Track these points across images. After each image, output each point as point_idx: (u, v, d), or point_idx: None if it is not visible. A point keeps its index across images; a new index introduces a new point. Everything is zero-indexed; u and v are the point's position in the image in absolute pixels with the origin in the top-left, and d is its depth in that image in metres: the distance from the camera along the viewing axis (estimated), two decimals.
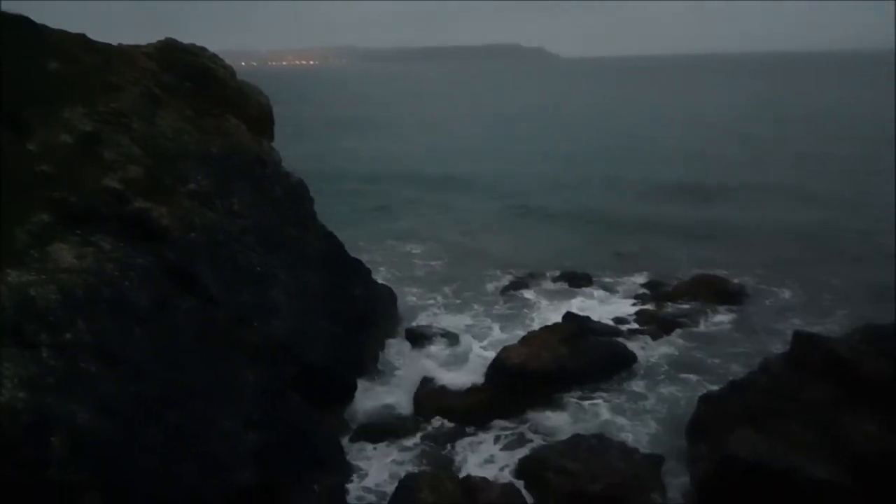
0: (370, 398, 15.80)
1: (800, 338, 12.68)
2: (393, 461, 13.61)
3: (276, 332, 13.54)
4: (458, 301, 21.97)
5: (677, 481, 12.66)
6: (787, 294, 22.41)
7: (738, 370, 15.88)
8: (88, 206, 12.11)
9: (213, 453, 10.88)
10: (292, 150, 21.86)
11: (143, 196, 13.14)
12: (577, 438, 13.79)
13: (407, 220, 33.04)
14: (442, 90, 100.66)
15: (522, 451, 13.75)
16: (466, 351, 18.14)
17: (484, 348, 18.23)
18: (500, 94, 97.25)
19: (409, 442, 14.30)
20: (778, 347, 14.46)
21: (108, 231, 12.13)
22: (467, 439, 14.45)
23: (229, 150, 16.31)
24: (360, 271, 18.92)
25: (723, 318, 20.56)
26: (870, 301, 20.97)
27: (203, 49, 18.45)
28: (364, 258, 20.55)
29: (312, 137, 53.61)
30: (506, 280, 23.71)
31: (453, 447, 14.21)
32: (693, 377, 16.70)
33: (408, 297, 21.94)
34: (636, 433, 14.43)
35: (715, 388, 14.52)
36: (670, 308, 21.13)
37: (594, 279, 23.73)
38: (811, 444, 10.98)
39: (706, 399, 13.08)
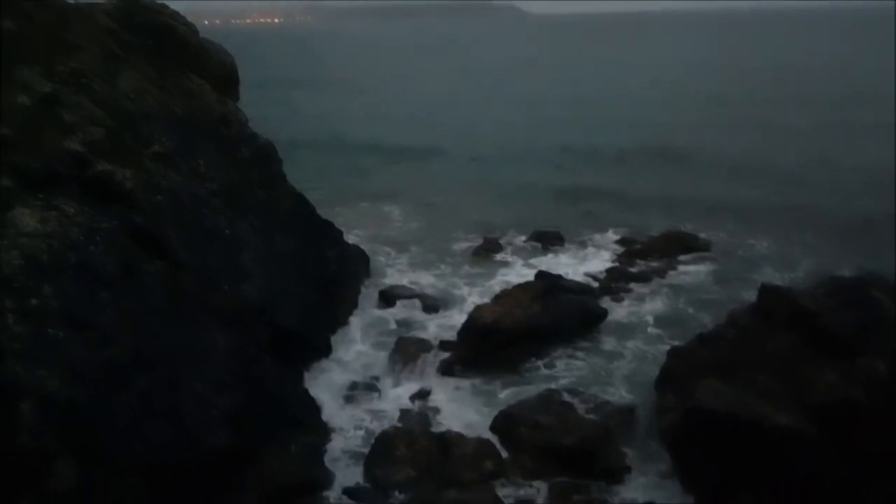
0: (345, 359, 15.85)
1: (766, 290, 12.96)
2: (368, 420, 13.73)
3: (247, 295, 13.44)
4: (430, 261, 21.99)
5: (647, 433, 13.00)
6: (754, 247, 22.90)
7: (706, 323, 16.23)
8: (50, 169, 11.77)
9: (186, 416, 10.85)
10: (258, 110, 21.41)
11: (105, 158, 12.80)
12: (549, 393, 14.06)
13: (378, 181, 32.74)
14: (409, 50, 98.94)
15: (496, 408, 13.94)
16: (439, 310, 18.27)
17: (457, 307, 18.35)
18: (468, 53, 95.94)
19: (385, 400, 14.42)
20: (745, 300, 14.73)
21: (71, 195, 11.81)
22: (441, 396, 14.62)
23: (193, 111, 15.94)
24: (331, 233, 18.79)
25: (692, 272, 20.95)
26: (835, 254, 21.54)
27: (164, 6, 17.88)
28: (335, 220, 20.38)
29: (278, 98, 52.56)
30: (478, 240, 23.75)
31: (429, 404, 14.37)
32: (662, 331, 17.03)
33: (380, 257, 21.89)
34: (607, 387, 14.72)
35: (683, 341, 14.80)
36: (640, 264, 21.44)
37: (566, 238, 23.90)
38: (776, 393, 11.28)
39: (674, 352, 13.35)
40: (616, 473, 11.99)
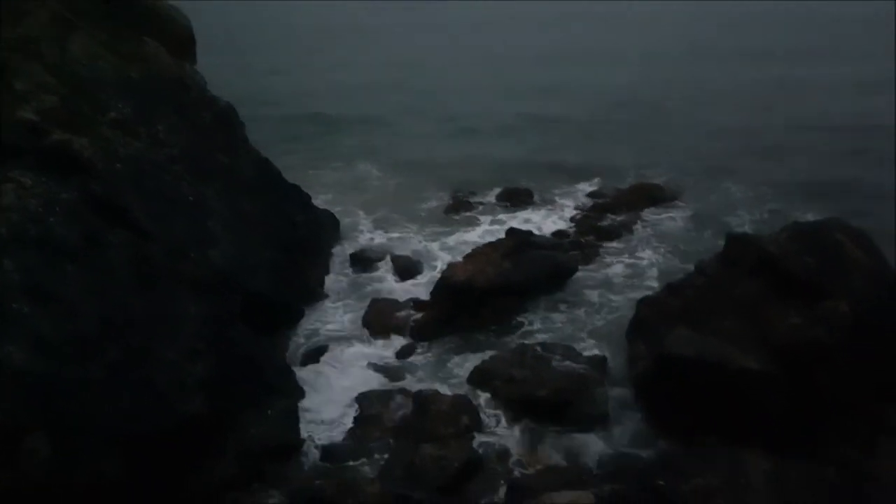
0: (318, 322, 15.84)
1: (731, 238, 13.17)
2: (345, 381, 13.76)
3: (215, 262, 13.27)
4: (401, 222, 21.88)
5: (620, 381, 13.26)
6: (722, 197, 23.20)
7: (674, 272, 16.46)
8: (4, 140, 11.41)
9: (159, 386, 10.78)
10: (216, 72, 20.84)
11: (61, 127, 12.43)
12: (522, 348, 14.24)
13: (346, 141, 32.24)
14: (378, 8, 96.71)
15: (471, 364, 14.10)
16: (411, 270, 18.26)
17: (429, 267, 18.38)
18: (438, 9, 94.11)
19: (360, 361, 14.46)
20: (713, 248, 14.95)
21: (27, 166, 11.49)
22: (417, 355, 14.73)
23: (150, 76, 15.47)
24: (298, 197, 18.57)
25: (660, 223, 21.21)
26: (802, 198, 21.95)
27: None
28: (302, 183, 20.11)
29: (237, 59, 51.20)
30: (449, 199, 23.69)
31: (404, 364, 14.46)
32: (632, 282, 17.27)
33: (350, 220, 21.69)
34: (580, 339, 14.94)
35: (653, 291, 15.03)
36: (610, 218, 21.60)
37: (535, 194, 23.94)
38: (743, 338, 11.53)
39: (644, 302, 13.55)
40: (590, 422, 12.23)
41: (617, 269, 18.14)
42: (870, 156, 26.34)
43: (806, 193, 22.60)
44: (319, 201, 21.17)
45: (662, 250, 19.27)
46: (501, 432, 12.19)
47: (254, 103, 31.00)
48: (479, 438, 12.02)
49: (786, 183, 23.97)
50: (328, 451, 11.79)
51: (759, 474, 8.17)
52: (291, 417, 12.23)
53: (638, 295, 15.35)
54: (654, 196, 22.95)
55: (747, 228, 19.42)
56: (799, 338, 11.20)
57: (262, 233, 15.37)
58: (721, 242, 13.90)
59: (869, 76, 40.25)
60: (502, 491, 10.63)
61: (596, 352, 14.21)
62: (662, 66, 48.43)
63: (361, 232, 21.02)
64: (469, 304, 15.59)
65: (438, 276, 16.60)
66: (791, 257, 12.02)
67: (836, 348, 10.97)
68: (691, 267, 14.39)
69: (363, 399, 12.75)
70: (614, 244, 19.71)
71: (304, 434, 12.13)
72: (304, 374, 13.82)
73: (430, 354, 14.74)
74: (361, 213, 22.52)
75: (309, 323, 15.76)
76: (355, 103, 39.87)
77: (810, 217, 17.62)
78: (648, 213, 21.84)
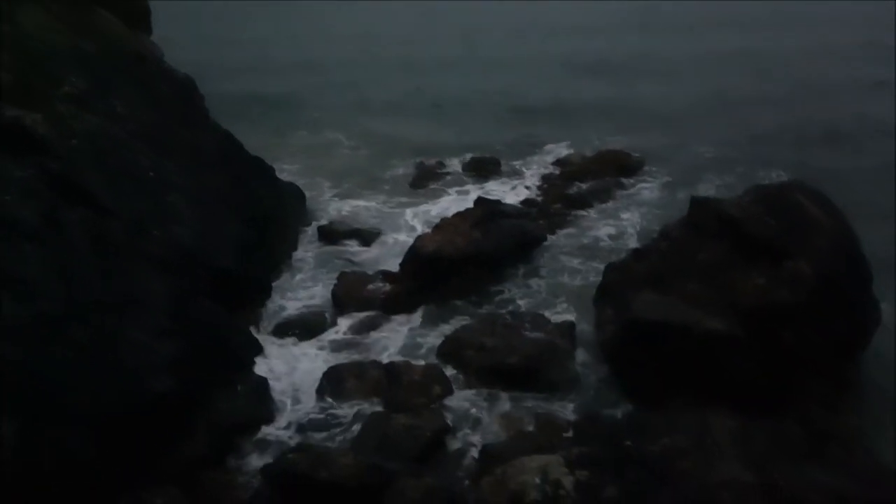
0: (287, 297, 15.71)
1: (696, 202, 13.31)
2: (316, 356, 13.74)
3: (179, 239, 13.04)
4: (369, 193, 21.72)
5: (588, 347, 13.44)
6: (688, 161, 23.44)
7: (642, 237, 16.64)
8: None
9: (126, 365, 10.64)
10: (175, 44, 20.31)
11: (13, 103, 12.01)
12: (492, 317, 14.33)
13: (309, 111, 31.70)
14: None
15: (442, 334, 14.15)
16: (380, 243, 18.21)
17: (397, 239, 18.31)
18: None
19: (331, 335, 14.42)
20: (679, 213, 15.08)
21: None
22: (387, 328, 14.70)
23: (104, 48, 15.01)
24: (262, 169, 18.28)
25: (627, 189, 21.38)
26: (763, 162, 22.29)
27: None
28: (266, 155, 19.75)
29: (197, 29, 49.82)
30: (416, 169, 23.54)
31: (375, 336, 14.44)
32: (599, 249, 17.42)
33: (317, 192, 21.45)
34: (549, 306, 15.08)
35: (620, 257, 15.17)
36: (577, 186, 21.69)
37: (503, 162, 23.92)
38: (707, 300, 11.74)
39: (611, 267, 13.69)
40: (559, 387, 12.41)
41: (584, 237, 18.28)
42: (838, 122, 26.84)
43: (770, 156, 22.97)
44: (284, 174, 20.88)
45: (630, 216, 19.45)
46: (473, 400, 12.29)
47: (213, 75, 30.28)
48: (452, 407, 12.11)
49: (752, 147, 24.31)
50: (300, 425, 11.80)
51: (726, 434, 8.38)
52: (262, 393, 12.19)
53: (605, 261, 15.50)
54: (621, 163, 23.08)
55: (714, 192, 19.65)
56: (762, 299, 11.43)
57: (227, 207, 15.13)
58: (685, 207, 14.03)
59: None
60: (475, 457, 10.74)
61: (565, 318, 14.35)
62: (633, 37, 48.32)
63: (329, 204, 20.81)
64: (439, 275, 15.60)
65: (408, 247, 16.52)
66: (753, 220, 12.20)
67: (799, 308, 11.23)
68: (655, 230, 14.56)
69: (334, 372, 12.73)
70: (582, 212, 19.83)
71: (275, 409, 12.11)
72: (274, 349, 13.74)
73: (400, 326, 14.72)
74: (328, 185, 22.28)
75: (278, 298, 15.62)
76: (323, 74, 39.20)
77: (772, 179, 17.92)
78: (616, 180, 21.96)
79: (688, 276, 12.23)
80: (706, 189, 20.44)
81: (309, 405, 12.28)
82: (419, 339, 14.27)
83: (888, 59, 35.25)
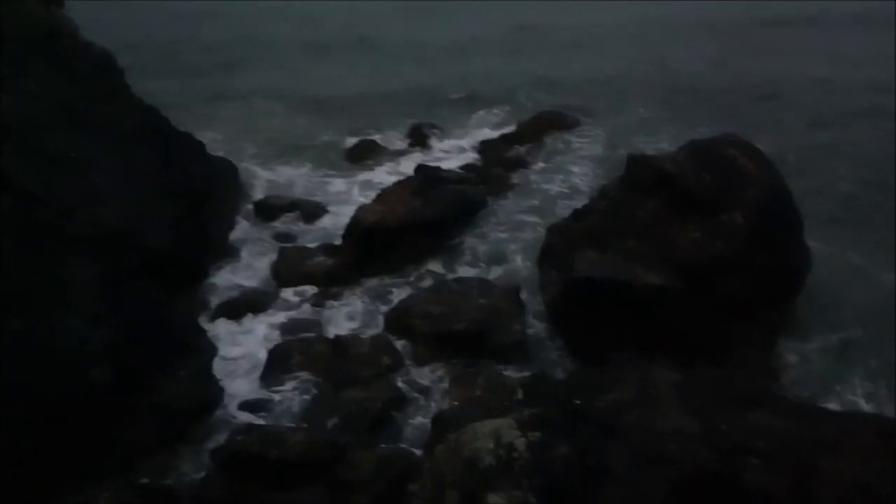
0: (226, 276, 15.28)
1: (632, 160, 13.43)
2: (259, 334, 13.44)
3: (105, 220, 12.45)
4: (306, 166, 21.23)
5: (533, 308, 13.55)
6: (625, 119, 23.69)
7: (583, 197, 16.77)
8: None
9: (61, 355, 10.21)
10: (88, 15, 19.22)
11: None
12: (438, 284, 14.31)
13: (242, 80, 30.68)
14: None
15: (388, 305, 14.06)
16: (320, 215, 17.86)
17: (337, 211, 17.99)
18: None
19: (274, 312, 14.12)
20: (618, 172, 15.25)
21: None
22: (333, 302, 14.49)
23: (15, 24, 14.03)
24: (191, 145, 17.55)
25: (566, 149, 21.50)
26: (698, 118, 22.75)
27: None
28: (195, 129, 19.00)
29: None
30: (355, 138, 23.11)
31: (320, 311, 14.21)
32: (542, 209, 17.48)
33: (251, 165, 20.79)
34: (494, 271, 15.12)
35: (562, 216, 15.26)
36: (517, 148, 21.71)
37: (442, 128, 23.72)
38: (647, 256, 11.93)
39: (553, 229, 13.76)
40: (507, 350, 12.48)
41: (526, 198, 18.32)
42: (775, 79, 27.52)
43: (705, 112, 23.45)
44: (215, 147, 20.14)
45: (570, 175, 19.59)
46: (423, 369, 12.29)
47: (134, 45, 28.96)
48: (402, 377, 12.09)
49: (687, 104, 24.76)
50: (248, 406, 11.57)
51: (669, 385, 8.55)
52: (206, 375, 11.88)
53: (548, 221, 15.58)
54: (558, 124, 23.21)
55: (652, 149, 19.96)
56: (699, 251, 11.69)
57: (155, 186, 14.49)
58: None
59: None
60: (427, 426, 10.75)
61: (510, 281, 14.41)
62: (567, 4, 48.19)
63: (264, 178, 20.19)
64: (382, 246, 15.42)
65: (348, 219, 16.24)
66: (688, 175, 12.40)
67: (734, 258, 11.54)
68: (595, 191, 14.67)
69: (279, 350, 12.50)
70: (523, 173, 19.87)
71: (221, 391, 11.84)
72: (215, 330, 13.37)
73: (345, 299, 14.54)
74: (263, 157, 21.61)
75: (216, 278, 15.17)
76: (254, 37, 37.90)
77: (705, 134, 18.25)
78: (554, 141, 22.09)
79: (627, 234, 12.38)
80: (643, 146, 20.71)
81: (255, 385, 12.05)
82: (365, 312, 14.12)
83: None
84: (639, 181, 13.02)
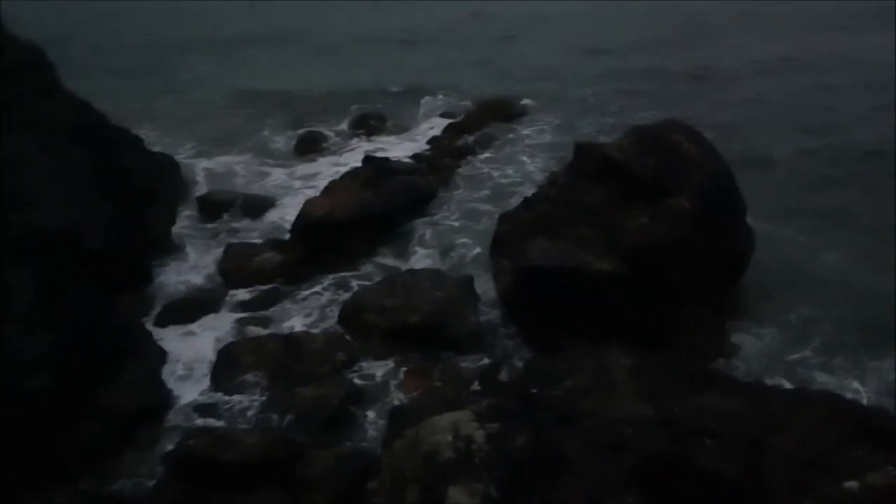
0: (171, 276, 14.83)
1: (579, 147, 13.54)
2: (208, 335, 13.07)
3: (40, 222, 11.92)
4: (250, 158, 20.78)
5: (488, 298, 13.54)
6: (571, 106, 23.92)
7: (534, 185, 16.83)
8: None
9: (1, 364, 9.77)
10: (17, 8, 18.34)
11: None
12: (392, 277, 14.12)
13: (183, 73, 29.83)
14: None
15: (341, 300, 13.85)
16: (267, 210, 17.49)
17: (285, 204, 17.66)
18: None
19: (222, 312, 13.79)
20: (564, 157, 15.36)
21: None
22: (283, 299, 14.21)
23: None
24: (129, 141, 16.94)
25: (515, 137, 21.59)
26: (642, 103, 23.12)
27: None
28: (133, 124, 18.36)
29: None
30: (299, 130, 22.72)
31: (270, 309, 13.92)
32: (493, 197, 17.52)
33: (192, 160, 20.25)
34: (446, 262, 15.07)
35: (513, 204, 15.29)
36: (465, 137, 21.67)
37: (389, 118, 23.53)
38: (597, 242, 12.05)
39: (504, 218, 13.76)
40: (463, 341, 12.45)
41: (477, 187, 18.33)
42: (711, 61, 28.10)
43: (648, 97, 23.85)
44: (154, 142, 19.51)
45: (519, 162, 19.69)
46: (378, 363, 12.15)
47: (66, 39, 27.80)
48: (357, 372, 11.94)
49: (631, 89, 25.13)
50: (200, 408, 11.27)
51: (622, 370, 8.68)
52: (153, 378, 11.53)
53: (499, 211, 15.58)
54: (505, 111, 23.31)
55: (598, 136, 20.18)
56: (646, 236, 11.85)
57: (92, 185, 13.94)
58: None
59: None
60: (385, 421, 10.66)
61: (464, 271, 14.38)
62: None
63: (205, 172, 19.68)
64: (332, 240, 15.19)
65: (296, 212, 15.94)
66: (633, 161, 12.55)
67: (681, 242, 11.74)
68: (545, 179, 14.74)
69: (230, 350, 12.20)
70: (472, 162, 19.86)
71: (171, 394, 11.50)
72: (162, 332, 12.99)
73: (296, 296, 14.26)
74: (204, 151, 21.07)
75: (161, 278, 14.73)
76: (195, 28, 36.84)
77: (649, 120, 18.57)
78: (502, 130, 22.14)
79: (577, 221, 12.47)
80: (589, 132, 20.95)
81: (205, 386, 11.73)
82: (317, 307, 13.89)
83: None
84: (586, 168, 13.13)
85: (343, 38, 36.39)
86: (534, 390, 8.75)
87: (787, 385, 10.76)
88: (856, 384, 10.90)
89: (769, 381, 10.62)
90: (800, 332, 12.11)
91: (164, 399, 11.38)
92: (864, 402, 10.25)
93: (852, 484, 6.67)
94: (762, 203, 14.74)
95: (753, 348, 11.79)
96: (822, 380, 11.06)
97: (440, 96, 25.67)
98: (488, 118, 22.83)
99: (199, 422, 10.97)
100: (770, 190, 16.60)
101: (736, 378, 9.40)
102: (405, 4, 45.02)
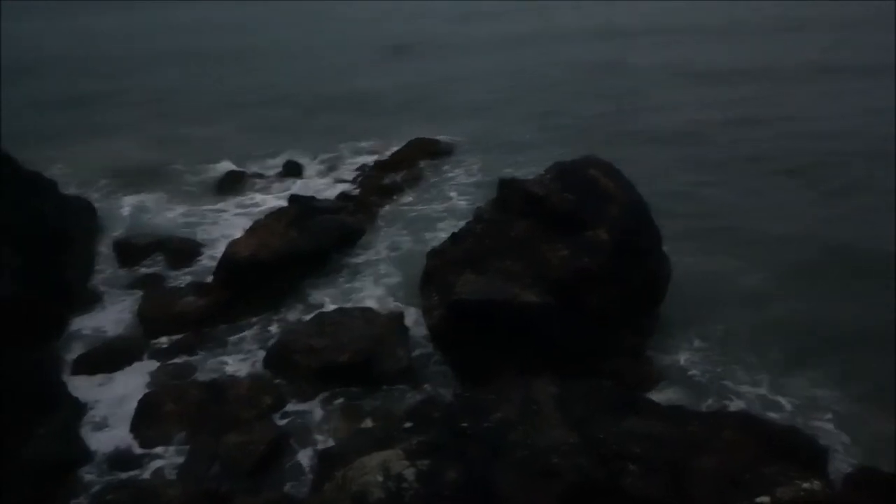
0: (86, 325, 14.25)
1: (503, 183, 13.91)
2: (127, 385, 12.56)
3: None
4: (170, 201, 20.31)
5: (418, 333, 13.55)
6: (497, 145, 24.47)
7: (458, 219, 17.06)
8: None
9: None
10: None
11: None
12: (319, 316, 13.96)
13: (101, 114, 29.04)
14: None
15: (267, 342, 13.59)
16: (188, 253, 17.05)
17: (207, 247, 17.29)
18: None
19: (142, 361, 13.29)
20: (490, 193, 15.65)
21: None
22: (207, 344, 13.82)
23: None
24: (42, 184, 16.28)
25: (441, 175, 21.90)
26: (564, 138, 23.89)
27: None
28: (45, 168, 17.67)
29: None
30: (223, 171, 22.39)
31: (193, 355, 13.50)
32: (422, 234, 17.65)
33: (109, 205, 19.64)
34: (376, 298, 15.06)
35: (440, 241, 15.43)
36: (392, 176, 21.85)
37: (313, 158, 23.52)
38: (522, 275, 12.31)
39: (432, 253, 13.89)
40: (394, 378, 12.40)
41: (404, 225, 18.44)
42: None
43: (564, 130, 24.64)
44: (67, 183, 18.81)
45: (445, 201, 19.93)
46: (307, 405, 11.95)
47: None
48: (285, 416, 11.69)
49: (554, 124, 25.95)
50: (119, 461, 10.75)
51: (549, 399, 8.80)
52: (69, 433, 10.95)
53: (427, 247, 15.71)
54: (431, 150, 23.66)
55: (524, 172, 20.67)
56: (568, 267, 12.22)
57: (2, 231, 13.32)
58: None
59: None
60: (314, 464, 10.44)
61: (393, 308, 14.38)
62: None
63: (124, 217, 19.14)
64: (257, 281, 14.93)
65: (219, 254, 15.62)
66: (554, 195, 13.01)
67: (600, 272, 12.15)
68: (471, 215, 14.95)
69: (150, 400, 11.74)
70: (400, 200, 20.00)
71: (87, 448, 10.94)
72: (78, 383, 12.40)
73: (220, 340, 13.91)
74: (122, 195, 20.48)
75: (77, 328, 14.11)
76: (115, 75, 36.03)
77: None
78: (429, 168, 22.45)
79: (503, 254, 12.73)
80: (513, 169, 21.43)
81: (125, 439, 11.21)
82: (243, 351, 13.59)
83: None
84: (511, 203, 13.47)
85: (262, 69, 36.22)
86: (464, 424, 8.74)
87: (710, 402, 11.19)
88: (778, 398, 11.41)
89: (692, 400, 10.99)
90: (719, 351, 12.64)
91: (81, 453, 10.81)
92: (788, 413, 10.86)
93: (764, 499, 6.97)
94: (674, 231, 15.38)
95: (675, 370, 12.21)
96: (745, 395, 11.53)
97: (365, 134, 25.84)
98: (415, 156, 23.12)
99: (118, 476, 10.47)
100: (679, 217, 17.30)
101: (657, 402, 9.67)
102: (325, 31, 45.32)
